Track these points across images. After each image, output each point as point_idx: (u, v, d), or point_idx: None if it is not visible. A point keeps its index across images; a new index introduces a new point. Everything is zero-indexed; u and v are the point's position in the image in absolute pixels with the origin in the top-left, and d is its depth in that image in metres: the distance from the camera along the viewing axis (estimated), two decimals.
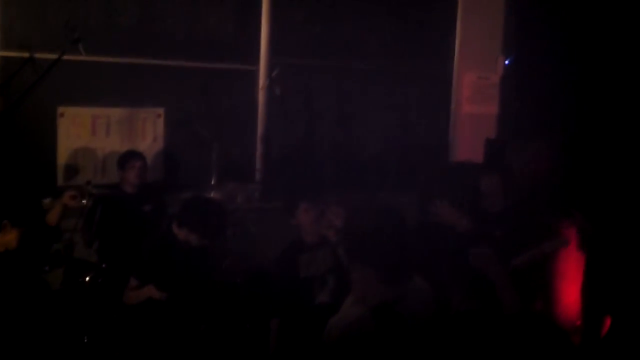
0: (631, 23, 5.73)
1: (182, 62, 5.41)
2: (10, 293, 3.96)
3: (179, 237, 3.99)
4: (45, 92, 4.63)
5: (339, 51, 6.04)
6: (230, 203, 5.00)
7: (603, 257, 4.49)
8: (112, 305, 4.13)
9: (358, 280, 2.58)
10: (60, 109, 5.05)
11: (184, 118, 5.46)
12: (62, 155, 5.09)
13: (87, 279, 4.32)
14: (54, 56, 4.32)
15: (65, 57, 4.36)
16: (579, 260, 4.86)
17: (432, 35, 6.50)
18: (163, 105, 5.41)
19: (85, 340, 4.11)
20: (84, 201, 4.41)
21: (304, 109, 5.98)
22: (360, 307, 2.51)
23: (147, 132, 5.38)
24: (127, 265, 4.17)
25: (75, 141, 5.12)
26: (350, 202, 3.88)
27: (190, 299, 3.94)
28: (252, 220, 5.09)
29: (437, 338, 2.54)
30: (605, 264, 4.46)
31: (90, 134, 5.18)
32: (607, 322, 4.39)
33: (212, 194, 5.04)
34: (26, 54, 4.50)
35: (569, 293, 5.24)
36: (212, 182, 5.12)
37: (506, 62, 6.66)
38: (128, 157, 4.83)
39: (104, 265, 4.41)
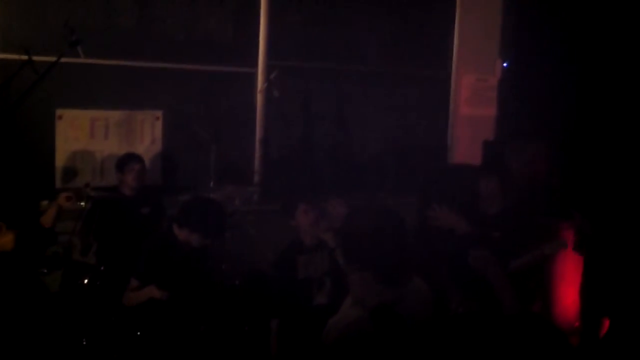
0: (630, 23, 5.73)
1: (180, 65, 5.41)
2: (7, 295, 3.96)
3: (179, 237, 3.99)
4: (43, 94, 4.62)
5: (337, 53, 6.05)
6: (229, 205, 5.00)
7: (602, 258, 4.49)
8: (111, 308, 4.13)
9: (357, 282, 2.58)
10: (59, 112, 5.05)
11: (183, 120, 5.46)
12: (61, 158, 5.09)
13: (86, 281, 4.32)
14: (52, 58, 4.32)
15: (64, 59, 4.36)
16: (577, 261, 4.87)
17: (431, 37, 6.51)
18: (161, 107, 5.41)
19: (84, 343, 4.10)
20: (82, 204, 4.41)
21: (303, 111, 5.98)
22: (359, 308, 2.51)
23: (146, 134, 5.38)
24: (125, 267, 4.16)
25: (73, 144, 5.12)
26: (349, 203, 3.89)
27: (190, 299, 3.94)
28: (250, 223, 5.09)
29: (436, 339, 2.54)
30: (604, 265, 4.45)
31: (88, 136, 5.17)
32: (606, 323, 4.39)
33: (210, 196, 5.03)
34: (24, 56, 4.49)
35: (568, 294, 5.25)
36: (211, 184, 5.11)
37: (504, 65, 6.66)
38: (127, 160, 4.82)
39: (102, 268, 4.42)
